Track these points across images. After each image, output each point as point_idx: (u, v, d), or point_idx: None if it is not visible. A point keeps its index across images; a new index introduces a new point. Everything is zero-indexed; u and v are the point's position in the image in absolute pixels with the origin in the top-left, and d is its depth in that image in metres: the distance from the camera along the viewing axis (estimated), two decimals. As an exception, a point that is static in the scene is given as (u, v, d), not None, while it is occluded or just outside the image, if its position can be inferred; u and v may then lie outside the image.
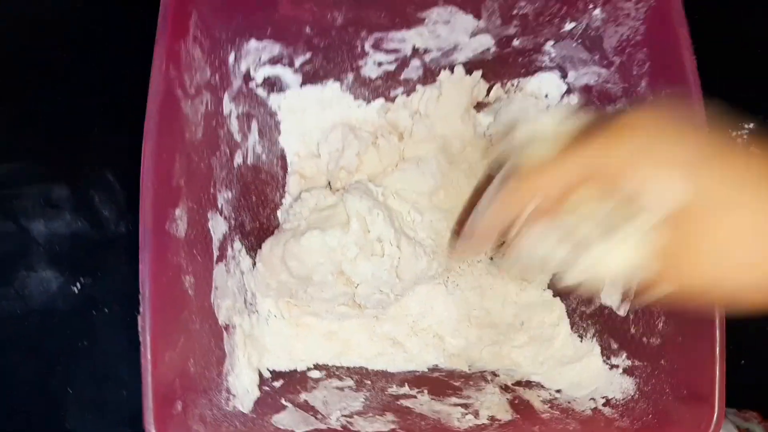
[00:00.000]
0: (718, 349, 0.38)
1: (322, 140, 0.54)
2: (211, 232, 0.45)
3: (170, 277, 0.39)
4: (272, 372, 0.50)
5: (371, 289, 0.48)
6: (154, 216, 0.37)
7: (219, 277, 0.46)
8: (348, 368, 0.52)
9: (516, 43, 0.51)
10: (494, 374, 0.51)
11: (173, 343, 0.39)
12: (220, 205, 0.47)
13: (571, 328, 0.52)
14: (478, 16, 0.49)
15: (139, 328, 0.37)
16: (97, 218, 0.55)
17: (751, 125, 0.59)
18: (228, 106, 0.48)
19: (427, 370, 0.52)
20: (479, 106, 0.56)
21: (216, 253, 0.46)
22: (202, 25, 0.43)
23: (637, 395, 0.44)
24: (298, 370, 0.51)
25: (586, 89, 0.51)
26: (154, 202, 0.37)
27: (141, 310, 0.37)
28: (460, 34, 0.50)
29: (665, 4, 0.43)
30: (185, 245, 0.41)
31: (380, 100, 0.55)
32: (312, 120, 0.55)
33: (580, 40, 0.50)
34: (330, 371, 0.51)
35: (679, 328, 0.42)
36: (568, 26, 0.50)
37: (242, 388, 0.46)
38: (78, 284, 0.55)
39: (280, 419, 0.45)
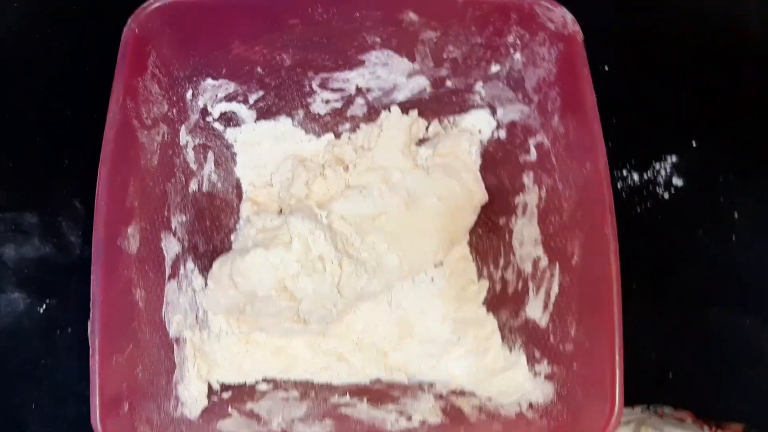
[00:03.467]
0: (617, 350, 0.42)
1: (275, 170, 0.59)
2: (164, 251, 0.50)
3: (120, 288, 0.43)
4: (221, 384, 0.53)
5: (314, 304, 0.52)
6: (106, 231, 0.42)
7: (171, 293, 0.50)
8: (294, 382, 0.55)
9: (449, 83, 0.57)
10: (431, 385, 0.55)
11: (121, 348, 0.43)
12: (173, 227, 0.51)
13: (502, 340, 0.56)
14: (412, 59, 0.54)
15: (89, 333, 0.40)
16: (64, 243, 0.59)
17: (674, 158, 0.64)
18: (185, 137, 0.53)
19: (369, 383, 0.56)
20: (421, 142, 0.62)
21: (168, 270, 0.50)
22: (161, 62, 0.48)
23: (555, 398, 0.48)
24: (247, 383, 0.54)
25: (512, 125, 0.57)
26: (106, 219, 0.42)
27: (91, 315, 0.40)
28: (398, 75, 0.56)
29: (571, 48, 0.49)
30: (137, 261, 0.45)
31: (329, 135, 0.61)
32: (266, 153, 0.60)
33: (505, 81, 0.56)
34: (277, 384, 0.54)
35: (586, 334, 0.46)
36: (494, 69, 0.55)
37: (191, 398, 0.50)
38: (44, 305, 0.59)
39: (224, 425, 0.48)
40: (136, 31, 0.45)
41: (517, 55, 0.53)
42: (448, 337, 0.57)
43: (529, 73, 0.53)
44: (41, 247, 0.59)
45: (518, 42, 0.52)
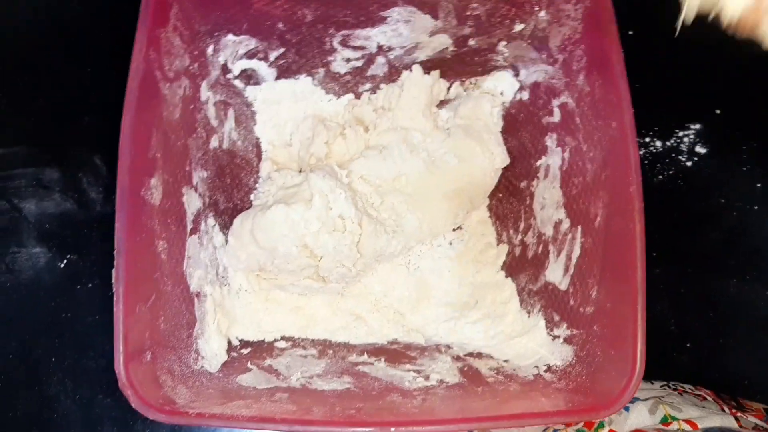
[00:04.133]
0: (639, 309, 0.42)
1: (294, 130, 0.59)
2: (186, 205, 0.50)
3: (144, 238, 0.43)
4: (240, 340, 0.54)
5: (333, 262, 0.52)
6: (131, 180, 0.42)
7: (192, 247, 0.50)
8: (312, 340, 0.56)
9: (472, 42, 0.56)
10: (448, 347, 0.55)
11: (145, 297, 0.43)
12: (195, 183, 0.51)
13: (520, 305, 0.56)
14: (435, 17, 0.54)
15: (113, 280, 0.41)
16: (85, 199, 0.60)
17: (698, 126, 0.63)
18: (206, 93, 0.53)
19: (386, 343, 0.56)
20: (442, 104, 0.61)
21: (190, 225, 0.50)
22: (182, 16, 0.48)
23: (574, 360, 0.48)
24: (266, 340, 0.55)
25: (535, 86, 0.56)
26: (130, 168, 0.42)
27: (115, 263, 0.41)
28: (420, 33, 0.55)
29: (598, 3, 0.48)
30: (159, 213, 0.45)
31: (348, 96, 0.60)
32: (286, 112, 0.59)
33: (529, 41, 0.55)
34: (295, 342, 0.55)
35: (608, 295, 0.46)
36: (518, 27, 0.54)
37: (211, 352, 0.50)
38: (65, 260, 0.59)
39: (243, 379, 0.48)
40: (160, -20, 0.44)
41: (542, 13, 0.52)
42: (466, 301, 0.57)
43: (554, 31, 0.52)
44: (62, 202, 0.59)
45: (544, -2, 0.51)
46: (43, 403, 0.57)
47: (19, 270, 0.59)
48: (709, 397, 0.56)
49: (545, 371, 0.50)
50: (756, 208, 0.62)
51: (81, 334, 0.58)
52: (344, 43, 0.56)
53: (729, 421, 0.49)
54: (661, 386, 0.57)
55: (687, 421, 0.48)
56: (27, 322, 0.58)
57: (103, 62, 0.61)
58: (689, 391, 0.56)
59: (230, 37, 0.53)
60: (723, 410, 0.53)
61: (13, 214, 0.59)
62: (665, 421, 0.49)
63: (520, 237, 0.57)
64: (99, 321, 0.58)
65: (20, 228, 0.59)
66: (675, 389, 0.56)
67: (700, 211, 0.63)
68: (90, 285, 0.59)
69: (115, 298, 0.40)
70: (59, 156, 0.60)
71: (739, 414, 0.52)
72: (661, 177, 0.63)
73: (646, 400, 0.52)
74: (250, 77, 0.57)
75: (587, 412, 0.43)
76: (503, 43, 0.56)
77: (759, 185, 0.62)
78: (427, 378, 0.50)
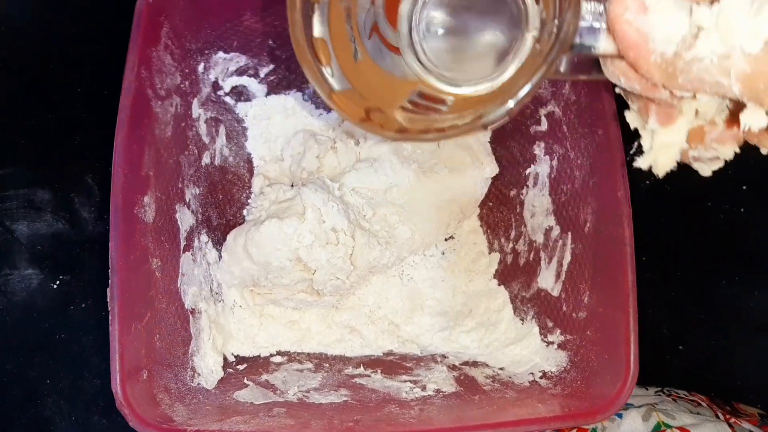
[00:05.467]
0: (631, 313, 0.43)
1: (286, 145, 0.59)
2: (179, 222, 0.50)
3: (138, 256, 0.44)
4: (236, 356, 0.54)
5: (327, 275, 0.52)
6: (124, 199, 0.42)
7: (186, 264, 0.50)
8: (308, 354, 0.56)
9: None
10: (444, 356, 0.55)
11: (140, 316, 0.43)
12: (187, 199, 0.51)
13: (514, 312, 0.56)
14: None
15: (108, 299, 0.41)
16: (77, 219, 0.60)
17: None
18: (197, 110, 0.53)
19: (382, 354, 0.56)
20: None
21: (183, 242, 0.50)
22: (173, 34, 0.48)
23: (569, 366, 0.48)
24: (262, 355, 0.55)
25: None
26: (124, 186, 0.42)
27: (110, 282, 0.41)
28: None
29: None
30: (153, 230, 0.46)
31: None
32: (276, 127, 0.60)
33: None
34: (291, 356, 0.55)
35: (600, 300, 0.46)
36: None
37: (207, 369, 0.50)
38: (57, 281, 0.59)
39: (240, 394, 0.48)
40: (150, 0, 0.45)
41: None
42: (460, 310, 0.58)
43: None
44: (54, 223, 0.59)
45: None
46: (39, 426, 0.56)
47: (12, 292, 0.58)
48: (703, 403, 0.56)
49: (540, 377, 0.50)
50: (742, 210, 0.63)
51: (76, 355, 0.58)
52: (333, 58, 0.56)
53: (723, 428, 0.50)
54: (656, 392, 0.57)
55: (680, 429, 0.49)
56: (21, 344, 0.58)
57: (94, 82, 0.61)
58: (684, 396, 0.57)
59: (220, 54, 0.54)
60: (717, 416, 0.54)
61: (5, 236, 0.59)
62: (658, 428, 0.49)
63: (511, 245, 0.58)
64: (93, 341, 0.58)
65: (12, 250, 0.59)
66: (669, 395, 0.57)
67: (687, 215, 0.63)
68: (83, 305, 0.59)
69: (110, 317, 0.40)
70: (51, 176, 0.60)
71: (733, 420, 0.53)
72: (648, 182, 0.64)
73: (639, 407, 0.52)
74: (240, 94, 0.58)
75: (583, 417, 0.43)
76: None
77: (744, 187, 0.64)
78: (423, 388, 0.50)
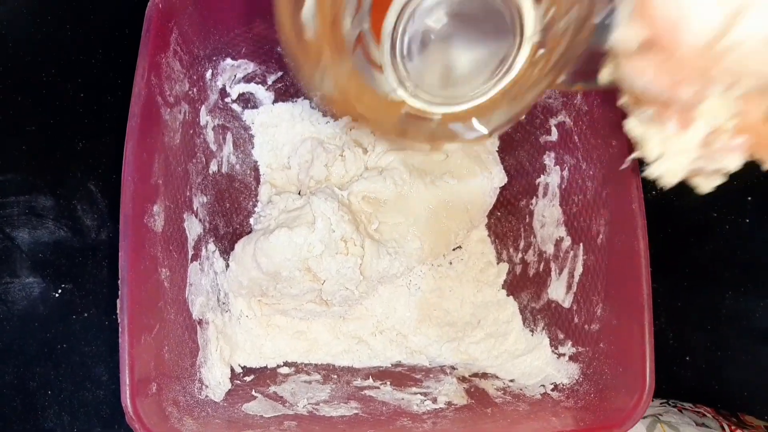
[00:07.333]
0: (647, 326, 0.42)
1: (293, 153, 0.58)
2: (187, 231, 0.49)
3: (147, 266, 0.43)
4: (243, 367, 0.53)
5: (337, 285, 0.51)
6: (134, 208, 0.41)
7: (193, 274, 0.49)
8: (316, 365, 0.55)
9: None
10: (453, 368, 0.55)
11: (149, 327, 0.42)
12: (195, 208, 0.50)
13: (523, 323, 0.56)
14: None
15: (118, 311, 0.40)
16: (79, 227, 0.58)
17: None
18: (205, 117, 0.52)
19: (390, 366, 0.55)
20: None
21: (191, 252, 0.49)
22: (182, 41, 0.48)
23: (581, 378, 0.48)
24: (269, 366, 0.54)
25: (532, 105, 0.57)
26: (134, 195, 0.41)
27: (120, 293, 0.40)
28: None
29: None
30: (162, 240, 0.45)
31: (346, 118, 0.60)
32: (283, 135, 0.59)
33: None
34: (299, 367, 0.54)
35: (613, 312, 0.46)
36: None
37: (214, 380, 0.49)
38: (59, 290, 0.58)
39: (249, 407, 0.48)
40: (160, 6, 0.44)
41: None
42: (468, 320, 0.57)
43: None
44: (56, 230, 0.58)
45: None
46: (41, 438, 0.55)
47: (13, 301, 0.57)
48: (708, 415, 0.56)
49: (552, 390, 0.50)
50: (748, 221, 0.63)
51: (77, 365, 0.57)
52: (342, 66, 0.56)
53: None
54: (661, 403, 0.57)
55: None
56: (22, 354, 0.57)
57: (97, 88, 0.60)
58: (689, 408, 0.57)
59: (228, 61, 0.53)
60: (723, 427, 0.53)
61: (6, 244, 0.58)
62: None
63: (520, 255, 0.58)
64: (96, 351, 0.57)
65: (13, 257, 0.58)
66: (675, 406, 0.56)
67: (693, 226, 0.63)
68: (86, 314, 0.58)
69: (120, 329, 0.40)
70: (52, 183, 0.59)
71: None
72: (654, 192, 0.64)
73: (644, 418, 0.52)
74: (248, 101, 0.57)
75: (599, 431, 0.42)
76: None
77: (750, 198, 0.64)
78: (434, 401, 0.49)
